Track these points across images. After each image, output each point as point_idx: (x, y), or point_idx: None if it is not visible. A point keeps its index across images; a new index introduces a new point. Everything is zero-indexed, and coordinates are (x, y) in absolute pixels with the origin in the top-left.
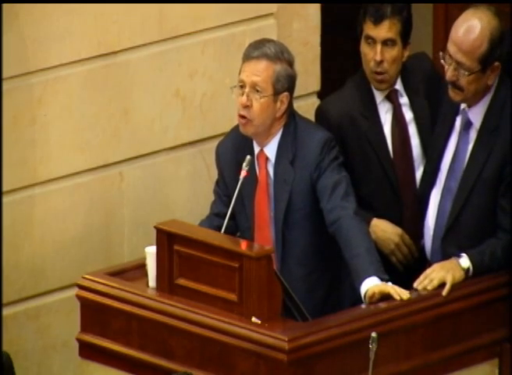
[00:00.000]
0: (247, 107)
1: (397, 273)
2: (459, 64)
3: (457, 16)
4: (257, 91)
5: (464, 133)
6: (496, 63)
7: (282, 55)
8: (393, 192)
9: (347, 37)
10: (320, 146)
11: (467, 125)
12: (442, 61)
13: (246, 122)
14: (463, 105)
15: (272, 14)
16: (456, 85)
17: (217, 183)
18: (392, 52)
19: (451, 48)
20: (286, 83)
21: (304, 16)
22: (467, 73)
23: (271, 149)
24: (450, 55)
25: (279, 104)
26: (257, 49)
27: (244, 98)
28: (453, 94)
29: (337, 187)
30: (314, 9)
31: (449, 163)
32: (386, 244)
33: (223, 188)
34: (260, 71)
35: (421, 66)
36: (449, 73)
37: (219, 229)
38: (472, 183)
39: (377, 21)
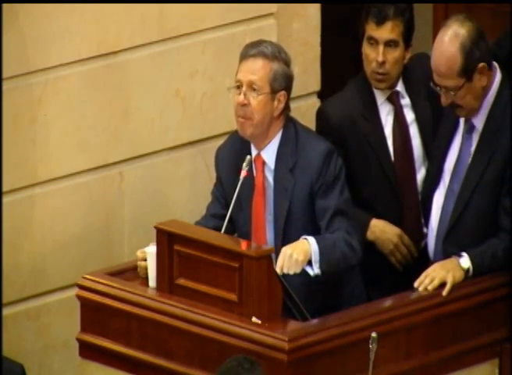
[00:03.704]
0: (244, 105)
1: (397, 273)
2: (445, 88)
3: None
4: (254, 89)
5: (466, 136)
6: (481, 64)
7: (279, 55)
8: (394, 194)
9: (347, 38)
10: (322, 157)
11: (470, 128)
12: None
13: (244, 121)
14: None
15: (272, 14)
16: (454, 105)
17: (215, 185)
18: (395, 53)
19: (434, 76)
20: (284, 82)
21: (304, 16)
22: (453, 92)
23: (268, 153)
24: (436, 84)
25: (276, 102)
26: (254, 48)
27: (242, 96)
28: (457, 112)
29: (337, 215)
30: (314, 9)
31: (453, 165)
32: (385, 244)
33: (221, 190)
34: (257, 69)
35: (423, 67)
36: (442, 99)
37: (215, 230)
38: (474, 185)
39: (380, 22)
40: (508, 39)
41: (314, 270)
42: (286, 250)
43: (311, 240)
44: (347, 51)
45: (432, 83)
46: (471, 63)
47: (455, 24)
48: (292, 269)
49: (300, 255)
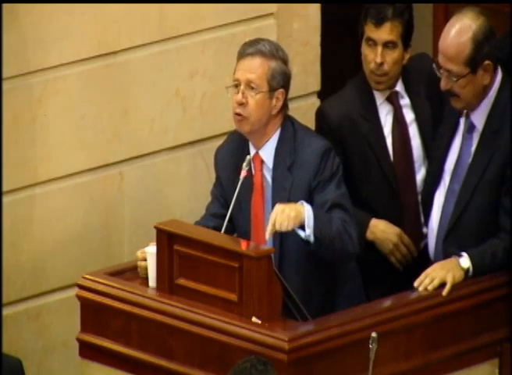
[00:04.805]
0: (242, 104)
1: (397, 273)
2: (448, 72)
3: None
4: (252, 87)
5: (467, 136)
6: (486, 62)
7: (276, 53)
8: (393, 194)
9: (347, 38)
10: (320, 155)
11: (470, 128)
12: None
13: (242, 118)
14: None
15: (272, 14)
16: (451, 93)
17: (214, 184)
18: (393, 55)
19: (439, 57)
20: (282, 80)
21: (304, 16)
22: (455, 78)
23: (266, 152)
24: (440, 65)
25: (274, 101)
26: (251, 46)
27: (240, 95)
28: (453, 102)
29: (334, 207)
30: (314, 9)
31: (453, 165)
32: (385, 244)
33: (220, 190)
34: (254, 68)
35: (422, 67)
36: (442, 82)
37: (215, 229)
38: (474, 185)
39: (378, 23)
40: (508, 39)
41: (306, 232)
42: (278, 206)
43: (307, 205)
44: (347, 51)
45: (434, 65)
46: (478, 55)
47: (470, 14)
48: (284, 225)
49: (293, 211)
